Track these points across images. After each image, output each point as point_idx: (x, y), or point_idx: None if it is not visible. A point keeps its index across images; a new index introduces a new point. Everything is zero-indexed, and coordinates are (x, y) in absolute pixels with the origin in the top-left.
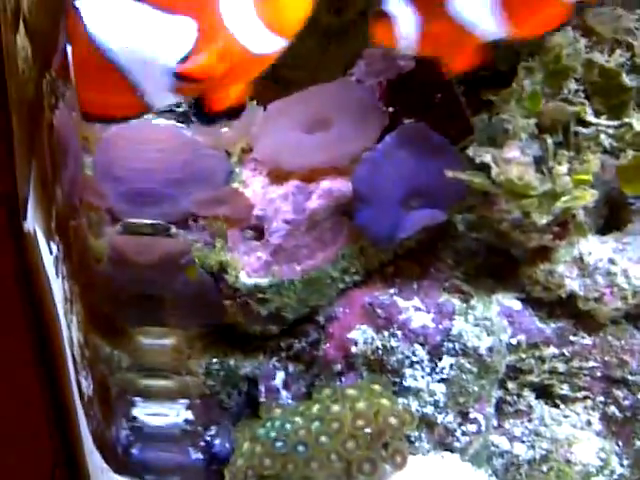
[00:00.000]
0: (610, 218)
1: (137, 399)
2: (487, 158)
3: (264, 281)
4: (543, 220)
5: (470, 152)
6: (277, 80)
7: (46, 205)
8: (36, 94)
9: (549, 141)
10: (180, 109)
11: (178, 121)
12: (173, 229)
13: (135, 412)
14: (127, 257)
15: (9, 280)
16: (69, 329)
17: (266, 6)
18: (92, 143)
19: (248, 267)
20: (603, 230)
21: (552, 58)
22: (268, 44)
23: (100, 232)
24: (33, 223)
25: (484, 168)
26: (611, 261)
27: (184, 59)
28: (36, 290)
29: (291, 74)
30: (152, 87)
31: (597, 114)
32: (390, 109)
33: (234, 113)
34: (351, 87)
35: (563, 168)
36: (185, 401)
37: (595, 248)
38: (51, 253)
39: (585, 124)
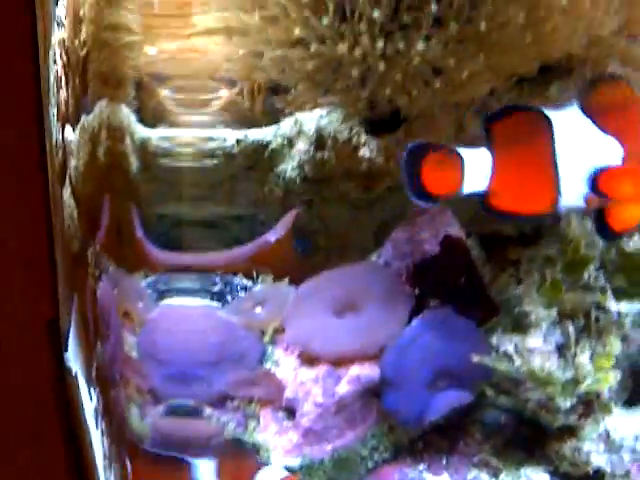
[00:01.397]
0: (635, 390)
1: None
2: (510, 349)
3: (295, 462)
4: (567, 403)
5: (494, 340)
6: (308, 248)
7: (87, 353)
8: (80, 250)
9: (570, 329)
10: (216, 288)
11: (213, 300)
12: (208, 410)
13: None
14: (169, 438)
15: (49, 408)
16: None
17: None
18: (137, 323)
19: (280, 448)
20: (629, 401)
21: (571, 249)
22: None
23: (143, 412)
24: (74, 361)
25: None
26: (637, 438)
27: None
28: (75, 428)
29: (324, 241)
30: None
31: (618, 292)
32: (416, 291)
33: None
34: (379, 270)
35: (585, 357)
36: None
37: (621, 424)
38: (91, 399)
39: (606, 310)
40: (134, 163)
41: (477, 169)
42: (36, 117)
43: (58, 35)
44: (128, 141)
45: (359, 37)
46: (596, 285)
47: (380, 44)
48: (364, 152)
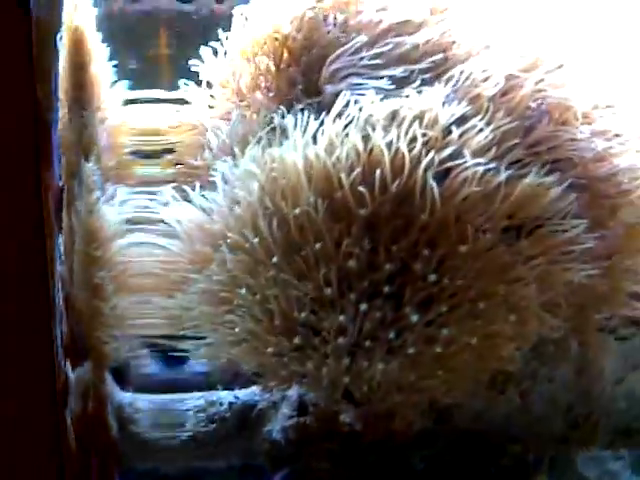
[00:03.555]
0: None
1: None
2: None
3: None
4: None
5: None
6: None
7: None
8: None
9: None
10: None
11: None
12: None
13: None
14: None
15: None
16: None
17: None
18: None
19: None
20: None
21: None
22: None
23: None
24: None
25: None
26: None
27: None
28: None
29: None
30: None
31: None
32: None
33: None
34: None
35: None
36: None
37: None
38: None
39: None
40: (114, 427)
41: None
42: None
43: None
44: (110, 407)
45: (325, 358)
46: None
47: (346, 361)
48: (344, 418)
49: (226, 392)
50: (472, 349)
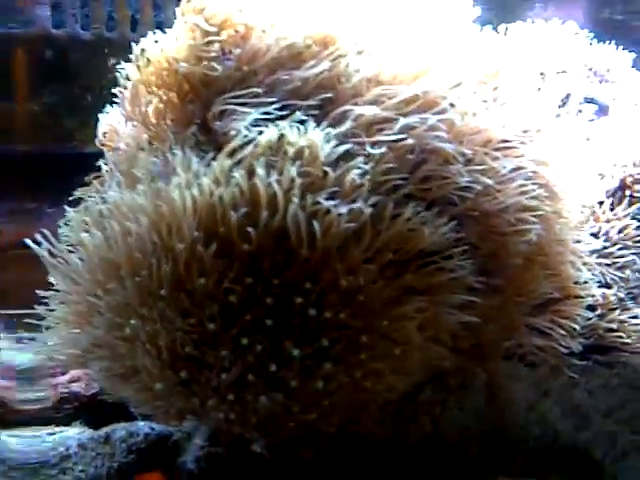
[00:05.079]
0: None
1: None
2: None
3: None
4: None
5: None
6: None
7: None
8: None
9: None
10: None
11: None
12: None
13: None
14: None
15: None
16: None
17: None
18: None
19: None
20: None
21: None
22: None
23: None
24: None
25: None
26: None
27: None
28: None
29: None
30: None
31: None
32: None
33: None
34: None
35: None
36: None
37: None
38: None
39: None
40: None
41: None
42: None
43: None
44: None
45: (212, 393)
46: None
47: (231, 397)
48: (255, 447)
49: (143, 423)
50: (354, 382)
